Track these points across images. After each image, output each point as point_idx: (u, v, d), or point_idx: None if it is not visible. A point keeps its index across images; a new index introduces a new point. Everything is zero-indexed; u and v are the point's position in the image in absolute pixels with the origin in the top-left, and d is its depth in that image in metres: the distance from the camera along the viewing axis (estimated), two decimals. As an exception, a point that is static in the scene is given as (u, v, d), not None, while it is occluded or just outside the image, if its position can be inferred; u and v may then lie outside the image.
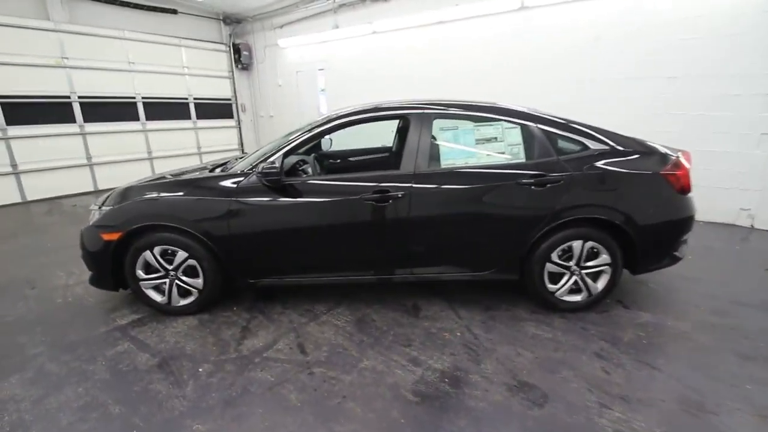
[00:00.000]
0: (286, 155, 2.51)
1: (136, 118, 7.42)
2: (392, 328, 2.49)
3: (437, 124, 2.50)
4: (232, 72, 8.92)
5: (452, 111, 2.53)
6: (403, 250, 2.51)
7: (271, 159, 2.44)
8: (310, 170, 3.09)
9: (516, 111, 2.54)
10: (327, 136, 3.88)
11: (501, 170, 2.43)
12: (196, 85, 8.27)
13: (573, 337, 2.37)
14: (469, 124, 2.50)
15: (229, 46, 8.75)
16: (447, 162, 2.46)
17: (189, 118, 8.25)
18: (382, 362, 2.15)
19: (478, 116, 2.51)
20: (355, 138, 3.78)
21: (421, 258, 2.55)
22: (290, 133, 2.73)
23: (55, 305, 2.88)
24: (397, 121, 3.76)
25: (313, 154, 3.24)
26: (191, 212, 2.43)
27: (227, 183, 2.49)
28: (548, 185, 2.39)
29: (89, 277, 2.66)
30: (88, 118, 6.82)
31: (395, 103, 2.68)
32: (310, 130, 2.59)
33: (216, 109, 8.75)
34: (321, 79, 8.06)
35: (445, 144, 2.50)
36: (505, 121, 2.49)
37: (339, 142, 3.95)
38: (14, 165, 6.05)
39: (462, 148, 2.48)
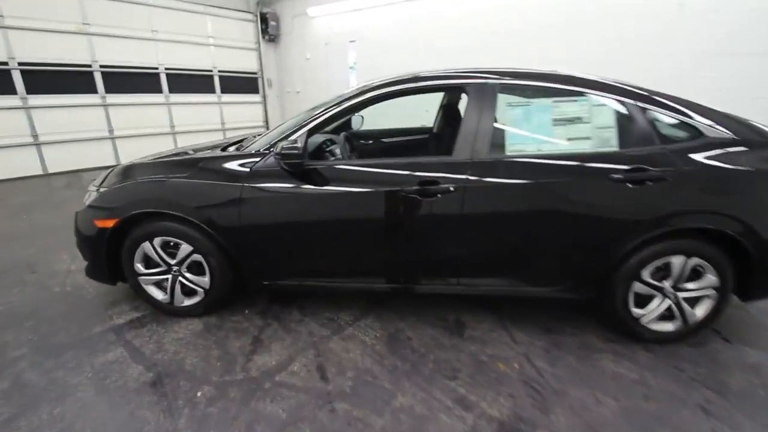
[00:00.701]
0: (310, 133, 2.04)
1: (159, 91, 7.12)
2: (432, 351, 2.03)
3: (502, 99, 1.95)
4: (259, 43, 8.46)
5: (522, 82, 1.97)
6: (450, 257, 2.02)
7: (293, 137, 1.97)
8: (338, 152, 2.62)
9: (608, 84, 1.95)
10: (358, 114, 3.46)
11: (586, 161, 1.87)
12: (221, 57, 7.88)
13: (666, 381, 1.84)
14: (545, 100, 1.94)
15: (257, 15, 8.26)
16: (514, 148, 1.92)
17: (213, 91, 7.89)
18: (421, 400, 1.70)
19: (556, 89, 1.94)
20: (377, 120, 3.28)
21: (471, 267, 2.06)
22: (316, 107, 2.25)
23: (51, 295, 2.58)
24: (442, 95, 3.23)
25: (342, 134, 2.75)
26: (194, 198, 2.02)
27: (239, 165, 2.05)
28: (649, 183, 1.82)
29: (85, 267, 2.32)
30: (110, 89, 6.56)
31: (449, 71, 2.14)
32: (339, 104, 2.10)
33: (241, 83, 8.35)
34: (351, 52, 7.49)
35: (512, 124, 1.95)
36: (594, 95, 1.91)
37: (369, 121, 3.46)
38: (35, 135, 5.88)
39: (535, 131, 1.93)
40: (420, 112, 3.86)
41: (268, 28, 8.24)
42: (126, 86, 6.76)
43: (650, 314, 2.03)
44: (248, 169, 2.01)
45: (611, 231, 1.89)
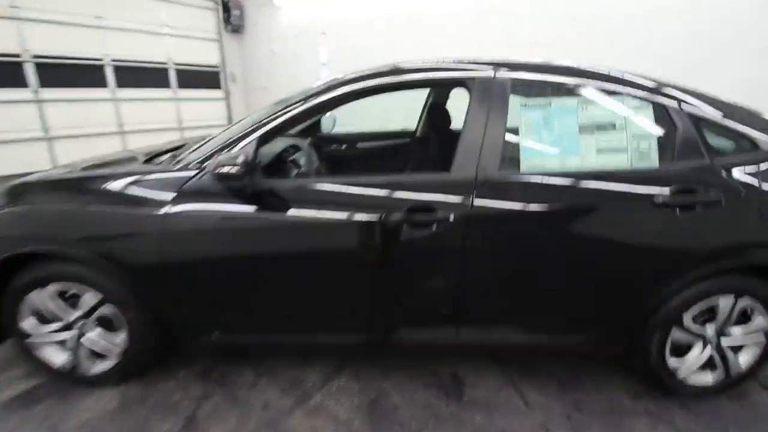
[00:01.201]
0: (262, 141, 1.53)
1: (104, 85, 6.30)
2: (427, 425, 1.56)
3: (515, 99, 1.50)
4: (221, 34, 7.73)
5: (542, 77, 1.52)
6: (447, 303, 1.57)
7: (235, 150, 1.44)
8: (303, 161, 2.12)
9: (643, 80, 1.54)
10: (329, 114, 2.95)
11: (623, 181, 1.45)
12: (177, 48, 7.09)
13: (719, 454, 1.46)
14: (570, 100, 1.50)
15: (218, 3, 7.54)
16: (531, 163, 1.47)
17: (168, 86, 7.12)
18: None
19: (584, 85, 1.51)
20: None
21: (474, 315, 1.61)
22: (278, 103, 1.75)
23: None
24: (426, 93, 2.77)
25: (308, 140, 2.24)
26: (95, 231, 1.47)
27: (164, 184, 1.51)
28: (699, 207, 1.43)
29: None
30: (45, 83, 5.71)
31: (442, 62, 1.67)
32: (301, 103, 1.59)
33: (201, 78, 7.59)
34: (323, 45, 6.94)
35: (528, 132, 1.49)
36: (628, 94, 1.49)
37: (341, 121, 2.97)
38: (-53, 137, 5.01)
39: (557, 141, 1.49)
40: (391, 113, 3.36)
41: (230, 18, 7.53)
42: (65, 80, 5.92)
43: (689, 366, 1.65)
44: (175, 192, 1.47)
45: (652, 268, 1.49)
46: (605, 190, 1.44)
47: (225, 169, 1.32)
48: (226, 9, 7.51)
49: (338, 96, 1.58)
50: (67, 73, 5.93)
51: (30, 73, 5.61)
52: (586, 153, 1.46)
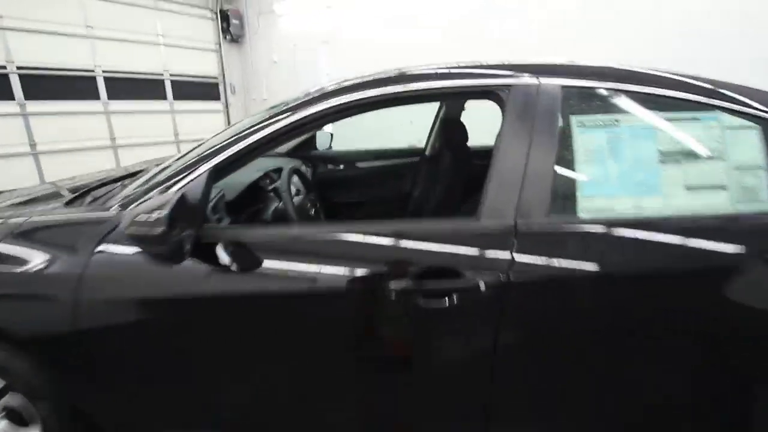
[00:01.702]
0: (217, 173, 1.11)
1: (96, 97, 6.02)
2: None
3: (568, 115, 1.08)
4: (220, 44, 7.47)
5: (603, 84, 1.10)
6: (472, 399, 1.14)
7: (166, 195, 1.01)
8: (284, 190, 1.72)
9: (741, 96, 1.11)
10: (325, 128, 2.57)
11: (722, 229, 1.02)
12: (173, 59, 6.83)
13: None
14: (645, 117, 1.08)
15: (216, 13, 7.28)
16: (593, 205, 1.04)
17: (164, 98, 6.83)
18: None
19: (663, 98, 1.09)
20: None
21: (508, 411, 1.18)
22: (263, 112, 1.36)
23: None
24: (439, 104, 2.38)
25: (290, 167, 1.82)
26: None
27: (81, 233, 1.10)
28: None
29: None
30: (31, 95, 5.43)
31: (464, 66, 1.26)
32: (291, 111, 1.18)
33: (199, 89, 7.32)
34: (323, 55, 6.63)
35: (587, 162, 1.07)
36: (727, 110, 1.07)
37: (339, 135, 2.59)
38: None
39: (629, 174, 1.06)
40: (395, 126, 2.99)
41: (229, 27, 7.26)
42: (53, 92, 5.66)
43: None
44: (95, 243, 1.07)
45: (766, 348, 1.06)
46: (698, 247, 1.01)
47: (140, 228, 0.90)
48: (225, 18, 7.25)
49: (325, 111, 1.17)
50: (55, 85, 5.67)
51: (15, 85, 5.35)
52: (671, 191, 1.04)
